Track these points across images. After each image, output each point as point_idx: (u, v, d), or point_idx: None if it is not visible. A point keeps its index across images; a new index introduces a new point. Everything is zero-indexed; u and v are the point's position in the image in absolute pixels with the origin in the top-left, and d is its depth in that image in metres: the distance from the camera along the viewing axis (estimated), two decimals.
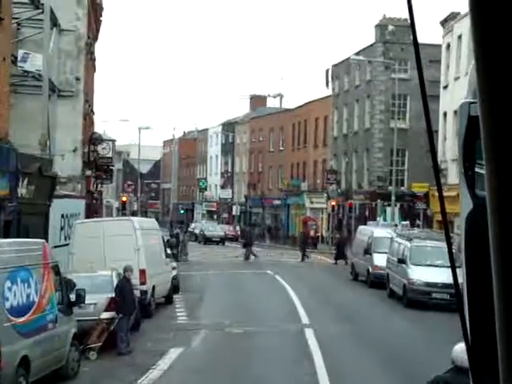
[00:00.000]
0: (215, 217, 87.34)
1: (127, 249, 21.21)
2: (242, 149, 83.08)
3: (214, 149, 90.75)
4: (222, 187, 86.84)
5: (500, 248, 1.12)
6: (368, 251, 31.70)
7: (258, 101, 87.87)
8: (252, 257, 43.63)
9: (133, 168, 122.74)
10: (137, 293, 20.57)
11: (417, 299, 24.68)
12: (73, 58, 36.03)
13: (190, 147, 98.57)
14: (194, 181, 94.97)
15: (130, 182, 45.17)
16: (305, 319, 21.22)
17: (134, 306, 16.74)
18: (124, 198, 41.08)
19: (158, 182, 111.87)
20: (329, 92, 64.40)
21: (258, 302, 25.01)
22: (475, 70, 1.14)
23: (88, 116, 38.33)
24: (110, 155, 39.20)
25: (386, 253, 30.24)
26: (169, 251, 26.82)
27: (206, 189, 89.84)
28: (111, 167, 40.29)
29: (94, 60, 42.09)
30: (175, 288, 27.47)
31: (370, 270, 31.11)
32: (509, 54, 1.09)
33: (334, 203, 55.85)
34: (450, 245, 1.41)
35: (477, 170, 1.48)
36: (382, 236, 31.69)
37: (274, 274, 35.24)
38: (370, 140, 55.65)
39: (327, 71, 63.52)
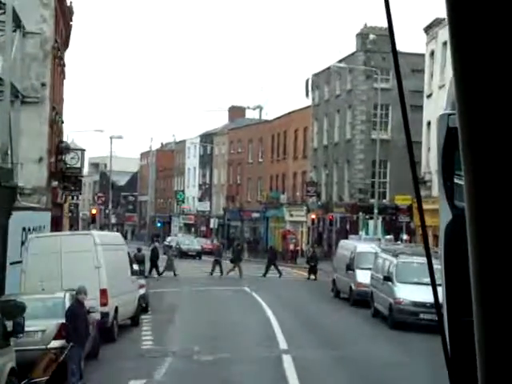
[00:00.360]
0: (193, 230, 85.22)
1: (86, 266, 19.12)
2: (221, 160, 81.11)
3: (191, 160, 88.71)
4: (200, 200, 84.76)
5: (478, 258, 1.12)
6: (350, 267, 29.76)
7: (236, 112, 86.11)
8: (230, 273, 41.50)
9: (108, 180, 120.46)
10: (96, 315, 18.48)
11: (403, 320, 22.71)
12: (38, 62, 33.95)
13: (167, 159, 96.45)
14: (172, 193, 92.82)
15: (100, 194, 42.88)
16: (283, 344, 19.17)
17: (88, 334, 14.62)
18: (93, 211, 38.78)
19: (136, 195, 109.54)
20: (309, 102, 62.69)
21: (232, 323, 22.94)
22: (453, 82, 1.14)
23: (55, 124, 36.21)
24: (78, 165, 37.11)
25: (369, 269, 28.36)
26: (136, 267, 24.75)
27: (183, 201, 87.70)
28: (80, 178, 38.14)
29: (63, 66, 40.01)
30: (143, 308, 25.40)
31: (353, 287, 29.16)
32: (486, 66, 1.09)
33: (313, 216, 53.96)
34: (429, 258, 1.36)
35: (456, 180, 1.43)
36: (366, 251, 29.77)
37: (251, 291, 33.21)
38: (351, 151, 53.90)
39: (307, 81, 61.81)
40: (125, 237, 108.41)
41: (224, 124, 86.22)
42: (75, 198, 40.79)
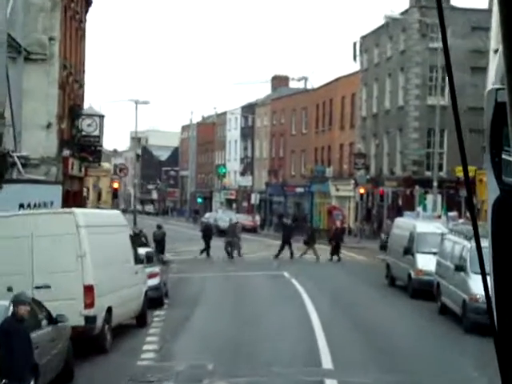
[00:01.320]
0: (234, 206, 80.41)
1: (66, 255, 14.25)
2: (263, 132, 75.88)
3: (232, 133, 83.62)
4: (242, 174, 79.76)
5: None
6: (409, 251, 24.42)
7: (280, 82, 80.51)
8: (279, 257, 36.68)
9: (151, 155, 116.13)
10: (79, 321, 13.64)
11: (483, 322, 17.38)
12: (46, 13, 29.03)
13: (208, 132, 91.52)
14: (213, 168, 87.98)
15: (122, 165, 38.03)
16: (327, 361, 14.03)
17: (30, 363, 9.66)
18: (115, 185, 33.89)
19: (177, 170, 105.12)
20: (356, 67, 56.97)
21: (262, 326, 17.89)
22: (503, 56, 1.12)
23: (68, 86, 31.38)
24: (96, 133, 32.25)
25: (433, 253, 23.06)
26: (145, 250, 19.83)
27: (224, 176, 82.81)
28: (99, 148, 33.33)
29: (80, 21, 35.10)
30: (158, 301, 20.56)
31: (413, 274, 23.84)
32: None
33: (362, 191, 48.47)
34: (477, 238, 1.41)
35: (504, 156, 1.44)
36: (428, 231, 24.39)
37: (291, 277, 28.15)
38: (404, 119, 48.19)
39: (354, 44, 55.88)
40: (166, 212, 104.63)
41: (266, 94, 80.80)
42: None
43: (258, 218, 66.45)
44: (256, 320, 18.52)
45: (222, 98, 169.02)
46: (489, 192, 1.49)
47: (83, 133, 31.72)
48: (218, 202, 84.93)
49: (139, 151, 74.62)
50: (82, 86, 35.60)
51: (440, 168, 46.11)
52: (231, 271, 30.44)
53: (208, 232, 37.73)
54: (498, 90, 1.46)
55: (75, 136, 31.35)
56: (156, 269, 20.87)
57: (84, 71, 41.10)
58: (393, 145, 49.91)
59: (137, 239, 30.85)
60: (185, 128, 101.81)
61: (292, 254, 36.55)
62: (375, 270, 31.51)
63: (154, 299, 20.35)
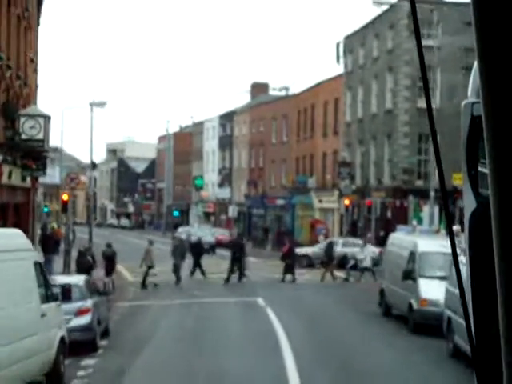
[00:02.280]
0: (213, 219, 75.59)
1: None
2: (241, 142, 71.13)
3: (210, 143, 78.81)
4: (220, 186, 74.93)
5: (503, 246, 1.13)
6: (409, 275, 19.66)
7: (259, 89, 75.91)
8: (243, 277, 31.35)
9: (127, 167, 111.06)
10: None
11: None
12: None
13: (185, 142, 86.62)
14: (190, 179, 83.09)
15: (73, 175, 32.87)
16: None
17: None
18: (64, 197, 28.73)
19: (154, 182, 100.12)
20: (340, 70, 52.45)
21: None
22: (478, 70, 1.12)
23: (3, 81, 26.47)
24: (40, 136, 27.34)
25: (439, 278, 18.37)
26: (68, 281, 14.93)
27: (202, 188, 77.93)
28: (44, 154, 28.39)
29: (24, 12, 30.21)
30: (87, 346, 15.65)
31: (414, 305, 19.06)
32: (511, 53, 1.09)
33: (347, 202, 43.73)
34: (454, 249, 1.39)
35: (480, 169, 1.45)
36: (433, 251, 19.62)
37: (266, 305, 23.28)
38: (393, 124, 43.62)
39: (338, 44, 51.54)
40: (142, 226, 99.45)
41: (246, 103, 76.13)
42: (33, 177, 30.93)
43: (235, 232, 61.53)
44: (215, 379, 13.63)
45: (200, 107, 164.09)
46: (465, 204, 1.48)
47: (23, 136, 26.77)
48: (196, 216, 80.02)
49: (95, 161, 70.12)
50: (26, 84, 30.66)
51: (426, 177, 41.57)
52: (198, 297, 25.52)
53: (198, 249, 32.27)
54: (473, 103, 1.46)
55: (13, 139, 26.39)
56: (87, 303, 15.95)
57: (36, 70, 36.20)
58: (380, 152, 45.32)
59: (82, 259, 26.13)
60: (161, 138, 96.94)
61: (241, 275, 30.85)
62: (365, 293, 26.73)
63: (83, 343, 15.46)
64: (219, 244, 54.90)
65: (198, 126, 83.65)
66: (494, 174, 1.12)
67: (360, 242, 35.82)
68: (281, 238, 55.53)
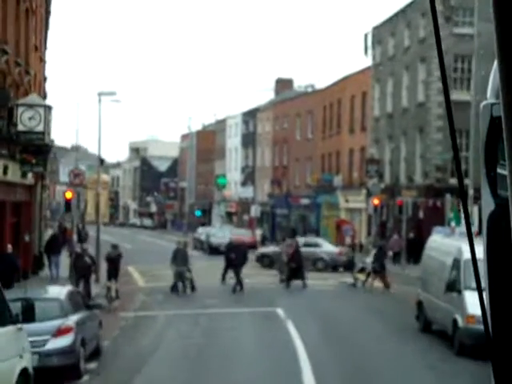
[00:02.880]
0: (235, 219, 72.81)
1: None
2: (265, 139, 68.24)
3: (233, 141, 76.00)
4: (243, 184, 72.09)
5: None
6: (454, 286, 16.63)
7: (284, 85, 72.98)
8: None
9: (150, 166, 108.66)
10: None
11: None
12: None
13: (208, 141, 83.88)
14: (213, 178, 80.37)
15: (76, 171, 30.03)
16: None
17: None
18: (68, 194, 25.94)
19: (176, 181, 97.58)
20: (368, 62, 49.39)
21: None
22: (498, 71, 1.12)
23: None
24: (40, 129, 24.68)
25: None
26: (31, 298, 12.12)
27: (224, 187, 75.16)
28: (45, 148, 25.70)
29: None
30: (69, 372, 12.88)
31: (460, 322, 16.02)
32: None
33: (377, 202, 40.59)
34: (473, 252, 1.37)
35: (499, 170, 1.44)
36: (481, 258, 16.56)
37: (285, 317, 20.36)
38: (425, 117, 40.47)
39: (366, 36, 48.46)
40: (164, 226, 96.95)
41: (269, 99, 73.23)
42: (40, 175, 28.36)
43: (258, 232, 58.66)
44: None
45: (223, 105, 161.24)
46: (484, 206, 1.48)
47: (20, 127, 24.13)
48: (218, 215, 77.27)
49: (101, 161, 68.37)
50: (28, 72, 28.04)
51: (465, 174, 38.30)
52: (210, 307, 22.65)
53: (238, 253, 28.88)
54: (493, 104, 1.45)
55: (9, 131, 23.75)
56: (68, 321, 13.15)
57: (42, 60, 33.67)
58: (411, 148, 42.18)
59: (79, 262, 23.34)
60: (184, 137, 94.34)
61: (241, 284, 26.28)
62: (400, 303, 23.71)
63: (64, 369, 12.69)
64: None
65: (221, 124, 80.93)
66: None
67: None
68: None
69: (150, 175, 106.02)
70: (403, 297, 24.69)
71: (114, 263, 22.96)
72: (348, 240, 42.04)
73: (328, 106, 55.97)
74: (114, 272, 22.84)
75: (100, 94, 29.49)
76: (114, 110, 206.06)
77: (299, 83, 73.09)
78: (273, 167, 66.01)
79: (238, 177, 73.75)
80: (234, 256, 26.07)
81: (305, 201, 57.97)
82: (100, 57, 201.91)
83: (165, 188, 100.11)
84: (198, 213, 78.35)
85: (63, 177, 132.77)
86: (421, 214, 39.99)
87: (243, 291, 25.80)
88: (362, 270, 29.31)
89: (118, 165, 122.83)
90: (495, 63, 1.15)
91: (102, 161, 35.50)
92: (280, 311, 21.29)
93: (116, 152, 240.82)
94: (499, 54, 1.09)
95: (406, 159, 42.84)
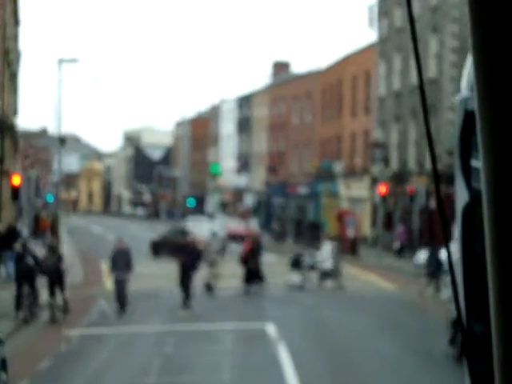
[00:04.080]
0: (230, 209, 67.66)
1: None
2: (261, 124, 63.00)
3: (227, 127, 70.74)
4: (238, 172, 66.90)
5: (495, 239, 1.13)
6: None
7: (280, 68, 67.71)
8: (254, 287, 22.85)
9: (144, 154, 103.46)
10: None
11: None
12: None
13: (203, 128, 78.68)
14: (207, 166, 75.18)
15: (26, 153, 24.76)
16: None
17: None
18: (16, 180, 20.39)
19: (170, 170, 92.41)
20: (372, 38, 44.13)
21: None
22: (472, 65, 1.12)
23: None
24: None
25: None
26: None
27: (218, 175, 69.95)
28: None
29: None
30: None
31: None
32: (506, 49, 1.07)
33: (384, 190, 35.36)
34: (448, 245, 1.30)
35: (473, 163, 1.45)
36: None
37: (277, 336, 15.21)
38: (438, 95, 35.25)
39: (370, 7, 43.20)
40: (157, 215, 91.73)
41: (265, 83, 67.91)
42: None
43: (254, 223, 53.43)
44: None
45: (219, 92, 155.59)
46: (458, 198, 1.45)
47: None
48: (212, 205, 72.10)
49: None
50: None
51: None
52: (180, 321, 17.49)
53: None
54: (467, 98, 1.44)
55: None
56: None
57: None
58: (421, 130, 36.99)
59: (20, 262, 18.10)
60: (179, 124, 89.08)
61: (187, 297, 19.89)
62: (420, 314, 18.58)
63: None
64: (232, 237, 46.87)
65: (215, 110, 75.65)
66: (486, 168, 1.11)
67: None
68: (307, 230, 47.36)
69: (143, 164, 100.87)
70: (423, 306, 19.57)
71: (55, 271, 17.62)
72: (351, 232, 36.89)
73: (328, 87, 50.76)
74: (57, 281, 17.56)
75: (61, 61, 24.23)
76: (107, 97, 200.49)
77: (297, 68, 67.98)
78: (269, 154, 60.84)
79: (232, 164, 68.55)
80: (184, 259, 19.63)
81: (303, 189, 52.85)
82: (94, 42, 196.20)
83: (158, 177, 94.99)
84: (190, 202, 73.14)
85: (56, 166, 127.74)
86: (432, 204, 34.85)
87: (191, 308, 19.20)
88: (311, 268, 24.05)
89: (62, 142, 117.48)
90: (470, 58, 1.11)
91: (62, 140, 30.21)
92: (270, 329, 16.11)
93: (110, 140, 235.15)
94: (474, 47, 1.07)
95: (416, 142, 37.65)
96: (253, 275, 22.22)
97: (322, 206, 50.63)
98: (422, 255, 26.12)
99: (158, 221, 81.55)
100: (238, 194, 65.79)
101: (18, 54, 41.00)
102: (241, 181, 65.30)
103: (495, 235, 1.11)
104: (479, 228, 1.22)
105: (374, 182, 40.01)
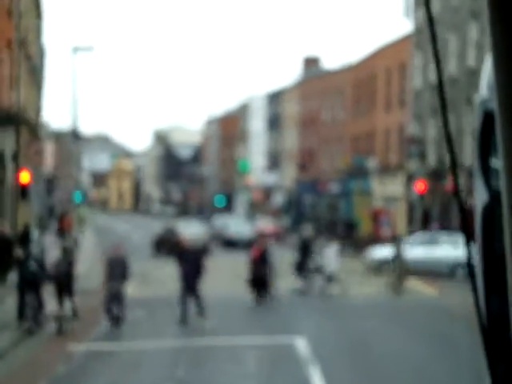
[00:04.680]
0: (260, 208, 65.57)
1: None
2: (291, 121, 60.80)
3: (257, 124, 68.66)
4: (267, 170, 64.77)
5: None
6: None
7: (311, 64, 65.43)
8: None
9: (174, 153, 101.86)
10: None
11: None
12: None
13: (232, 126, 76.74)
14: (236, 164, 73.19)
15: (38, 147, 22.86)
16: None
17: None
18: (24, 177, 18.17)
19: (200, 168, 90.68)
20: (408, 28, 41.70)
21: None
22: (492, 65, 1.12)
23: None
24: None
25: None
26: None
27: (247, 173, 67.93)
28: None
29: None
30: None
31: None
32: None
33: (422, 187, 32.93)
34: (468, 239, 1.28)
35: (492, 163, 1.43)
36: None
37: (312, 359, 13.04)
38: (478, 87, 32.67)
39: None
40: (186, 214, 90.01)
41: (296, 78, 65.67)
42: None
43: (284, 222, 51.27)
44: None
45: (247, 87, 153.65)
46: (477, 198, 1.45)
47: None
48: (241, 204, 70.09)
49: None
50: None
51: None
52: (200, 334, 15.40)
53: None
54: (487, 99, 1.42)
55: None
56: None
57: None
58: (461, 124, 34.52)
59: (22, 267, 16.12)
60: (208, 123, 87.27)
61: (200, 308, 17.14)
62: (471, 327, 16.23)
63: None
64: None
65: (244, 107, 73.62)
66: (506, 168, 1.11)
67: None
68: (341, 230, 45.13)
69: (172, 163, 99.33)
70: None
71: (66, 278, 15.61)
72: (386, 232, 34.58)
73: (360, 82, 48.42)
74: (66, 288, 15.57)
75: (76, 49, 22.35)
76: (137, 96, 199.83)
77: (328, 63, 65.65)
78: (299, 151, 58.61)
79: (262, 162, 66.42)
80: (186, 266, 16.76)
81: (334, 187, 50.55)
82: (122, 44, 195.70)
83: (187, 175, 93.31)
84: (218, 200, 71.25)
85: (87, 165, 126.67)
86: (473, 202, 32.35)
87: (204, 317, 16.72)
88: (316, 271, 21.75)
89: (76, 136, 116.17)
90: (489, 58, 1.11)
91: (76, 135, 28.35)
92: (301, 344, 13.96)
93: (140, 140, 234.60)
94: (493, 48, 1.06)
95: (454, 137, 35.14)
96: (259, 284, 19.66)
97: (355, 205, 48.33)
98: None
99: (188, 219, 79.85)
100: (268, 192, 63.68)
101: (40, 49, 39.31)
102: (270, 179, 63.19)
103: None
104: (499, 228, 1.19)
105: (410, 178, 37.65)
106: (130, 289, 18.78)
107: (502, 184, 1.13)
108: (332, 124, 52.73)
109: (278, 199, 56.11)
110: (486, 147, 1.41)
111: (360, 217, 44.88)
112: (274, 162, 63.64)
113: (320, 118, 54.93)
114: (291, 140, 60.52)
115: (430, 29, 1.19)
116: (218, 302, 18.58)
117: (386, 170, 43.03)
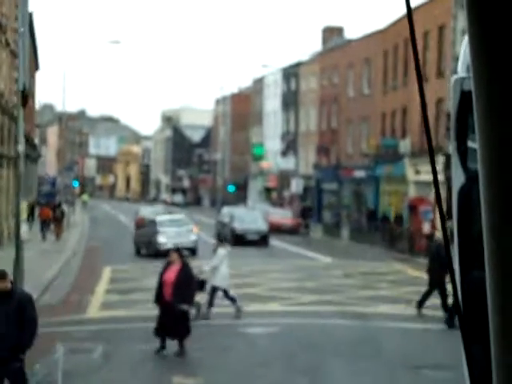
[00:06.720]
0: (275, 195, 60.30)
1: None
2: (310, 98, 55.19)
3: (271, 102, 63.09)
4: (283, 154, 59.29)
5: (492, 221, 1.15)
6: None
7: (332, 34, 59.76)
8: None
9: (183, 136, 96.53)
10: None
11: None
12: None
13: (245, 106, 71.23)
14: (249, 148, 67.79)
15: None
16: None
17: None
18: None
19: (211, 152, 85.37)
20: None
21: None
22: (468, 45, 1.14)
23: None
24: None
25: None
26: None
27: (262, 157, 62.54)
28: None
29: None
30: None
31: None
32: (502, 29, 1.08)
33: None
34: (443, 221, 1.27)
35: (469, 144, 1.47)
36: None
37: None
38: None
39: None
40: (198, 203, 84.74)
41: (315, 50, 59.98)
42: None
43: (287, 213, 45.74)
44: None
45: (261, 63, 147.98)
46: (454, 179, 1.48)
47: None
48: (255, 191, 64.71)
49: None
50: None
51: None
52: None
53: None
54: (463, 78, 1.47)
55: None
56: None
57: None
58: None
59: None
60: (219, 102, 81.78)
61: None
62: None
63: None
64: (277, 230, 39.34)
65: (258, 84, 68.05)
66: (482, 148, 1.12)
67: None
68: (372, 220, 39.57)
69: (182, 146, 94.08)
70: None
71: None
72: (427, 227, 29.06)
73: (391, 49, 42.71)
74: None
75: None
76: (147, 78, 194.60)
77: (350, 34, 59.94)
78: (319, 132, 53.01)
79: (277, 145, 60.93)
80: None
81: (359, 173, 45.02)
82: (133, 22, 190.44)
83: (198, 160, 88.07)
84: (231, 188, 65.93)
85: (93, 149, 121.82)
86: None
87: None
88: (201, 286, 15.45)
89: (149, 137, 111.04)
90: (466, 37, 1.13)
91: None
92: None
93: (150, 123, 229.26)
94: (470, 27, 1.08)
95: None
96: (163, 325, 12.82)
97: (383, 193, 42.79)
98: None
99: (200, 209, 74.60)
100: (284, 178, 58.22)
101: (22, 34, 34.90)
102: (287, 164, 57.71)
103: (491, 215, 1.11)
104: (475, 209, 1.22)
105: (449, 161, 32.08)
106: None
107: (478, 164, 1.12)
108: (357, 101, 47.08)
109: (296, 187, 50.56)
110: (462, 127, 1.39)
111: (390, 205, 39.30)
112: (291, 145, 58.14)
113: (343, 95, 49.32)
114: (310, 120, 54.93)
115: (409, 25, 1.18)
116: None
117: (421, 152, 37.47)
